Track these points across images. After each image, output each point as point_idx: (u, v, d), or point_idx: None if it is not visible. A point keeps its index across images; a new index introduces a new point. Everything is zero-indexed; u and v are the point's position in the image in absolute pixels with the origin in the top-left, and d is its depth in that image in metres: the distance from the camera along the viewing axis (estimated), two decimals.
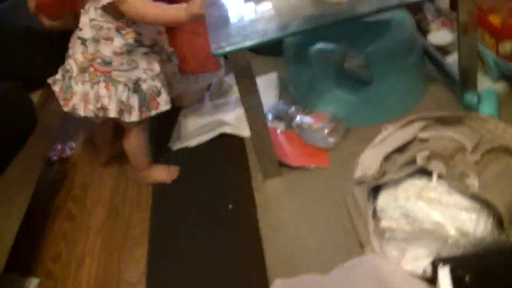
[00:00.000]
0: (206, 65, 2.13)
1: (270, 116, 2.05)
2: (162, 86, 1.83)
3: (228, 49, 1.33)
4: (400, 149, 1.50)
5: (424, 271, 1.28)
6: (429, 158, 1.38)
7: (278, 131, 1.98)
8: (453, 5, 2.28)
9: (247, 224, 1.70)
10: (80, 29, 1.75)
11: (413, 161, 1.41)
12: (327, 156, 1.86)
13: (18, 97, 1.83)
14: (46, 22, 1.90)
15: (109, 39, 1.71)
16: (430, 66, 2.07)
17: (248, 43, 1.35)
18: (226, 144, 2.08)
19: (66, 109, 1.80)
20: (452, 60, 1.98)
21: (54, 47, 2.00)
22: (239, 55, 1.47)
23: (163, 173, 2.00)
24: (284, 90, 2.24)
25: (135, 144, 1.93)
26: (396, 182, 1.43)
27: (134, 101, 1.77)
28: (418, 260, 1.33)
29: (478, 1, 1.73)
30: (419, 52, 2.00)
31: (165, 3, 1.72)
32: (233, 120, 2.12)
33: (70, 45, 1.83)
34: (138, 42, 1.75)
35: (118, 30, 1.71)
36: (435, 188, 1.35)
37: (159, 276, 1.66)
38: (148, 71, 1.79)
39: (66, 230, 1.99)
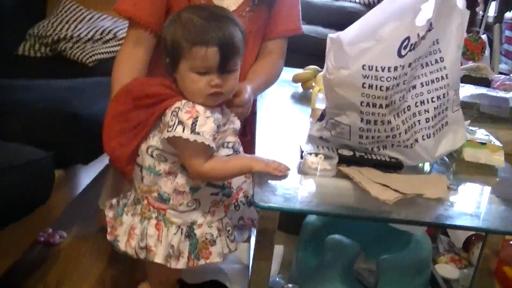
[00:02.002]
0: None
1: None
2: (219, 236, 1.59)
3: (272, 205, 1.34)
4: None
5: None
6: None
7: None
8: (466, 246, 2.32)
9: None
10: (138, 155, 1.57)
11: None
12: None
13: (45, 169, 1.80)
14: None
15: (172, 173, 1.52)
16: None
17: (291, 206, 1.36)
18: None
19: (109, 238, 1.63)
20: None
21: None
22: (270, 215, 1.48)
23: None
24: (285, 267, 2.22)
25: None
26: None
27: (185, 247, 1.55)
28: None
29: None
30: (427, 277, 2.00)
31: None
32: (231, 273, 2.09)
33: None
34: (223, 189, 1.59)
35: (184, 167, 1.51)
36: None
37: None
38: (208, 214, 1.58)
39: None
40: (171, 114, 1.45)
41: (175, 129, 1.41)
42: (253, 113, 1.88)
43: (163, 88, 1.50)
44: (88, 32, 2.89)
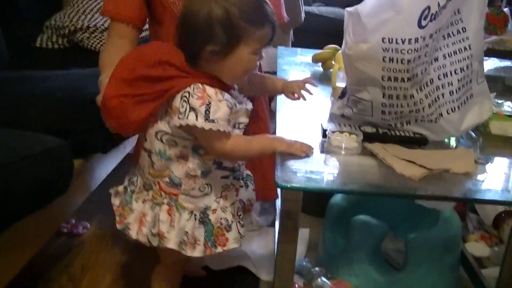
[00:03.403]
0: (269, 193, 2.00)
1: None
2: (234, 220, 1.57)
3: (295, 185, 1.32)
4: None
5: None
6: None
7: (296, 286, 1.92)
8: (496, 223, 2.28)
9: None
10: (145, 139, 1.53)
11: None
12: None
13: (63, 157, 1.78)
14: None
15: (183, 157, 1.49)
16: (463, 273, 2.03)
17: (314, 186, 1.33)
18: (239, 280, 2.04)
19: (119, 226, 1.61)
20: (487, 274, 1.95)
21: None
22: (294, 196, 1.45)
23: None
24: (312, 249, 2.20)
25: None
26: None
27: (200, 233, 1.53)
28: None
29: None
30: (457, 256, 1.97)
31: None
32: (256, 258, 2.07)
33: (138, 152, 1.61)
34: (218, 164, 1.53)
35: (195, 149, 1.48)
36: None
37: None
38: (221, 199, 1.55)
39: None
40: (181, 99, 1.39)
41: (188, 116, 1.37)
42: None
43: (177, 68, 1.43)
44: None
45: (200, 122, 1.36)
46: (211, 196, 1.54)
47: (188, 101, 1.38)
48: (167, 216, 1.52)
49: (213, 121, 1.36)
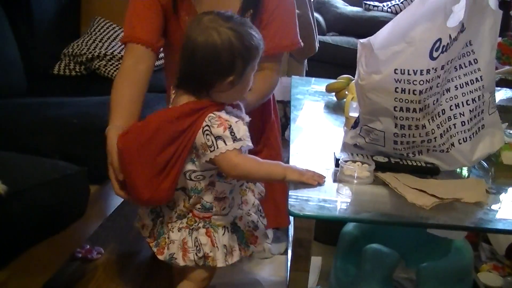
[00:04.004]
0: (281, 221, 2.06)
1: None
2: (259, 218, 1.68)
3: (307, 213, 1.33)
4: None
5: None
6: None
7: None
8: (508, 253, 2.28)
9: None
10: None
11: None
12: None
13: (80, 184, 1.81)
14: None
15: (211, 184, 1.55)
16: None
17: (326, 214, 1.35)
18: None
19: (160, 257, 1.62)
20: None
21: None
22: (306, 224, 1.47)
23: None
24: (324, 277, 2.20)
25: None
26: None
27: (234, 241, 1.62)
28: None
29: None
30: (469, 285, 1.96)
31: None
32: (268, 285, 2.08)
33: None
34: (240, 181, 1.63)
35: (220, 174, 1.54)
36: None
37: None
38: (242, 205, 1.65)
39: None
40: (204, 134, 1.44)
41: (218, 146, 1.42)
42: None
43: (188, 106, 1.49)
44: (121, 49, 2.91)
45: (230, 145, 1.42)
46: (235, 207, 1.62)
47: (211, 132, 1.43)
48: (206, 238, 1.57)
49: (240, 139, 1.43)
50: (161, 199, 1.56)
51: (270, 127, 2.00)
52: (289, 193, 1.39)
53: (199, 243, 1.57)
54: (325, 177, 1.43)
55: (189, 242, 1.58)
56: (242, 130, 1.45)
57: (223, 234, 1.59)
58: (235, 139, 1.42)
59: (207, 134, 1.43)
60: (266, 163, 1.51)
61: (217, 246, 1.57)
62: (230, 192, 1.59)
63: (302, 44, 1.98)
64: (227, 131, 1.42)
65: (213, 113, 1.45)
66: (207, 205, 1.56)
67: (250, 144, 1.46)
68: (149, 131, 1.48)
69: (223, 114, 1.46)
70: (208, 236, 1.57)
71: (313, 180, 1.41)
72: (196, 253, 1.57)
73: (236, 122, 1.45)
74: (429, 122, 1.48)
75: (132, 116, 1.71)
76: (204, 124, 1.44)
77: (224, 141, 1.42)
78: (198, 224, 1.58)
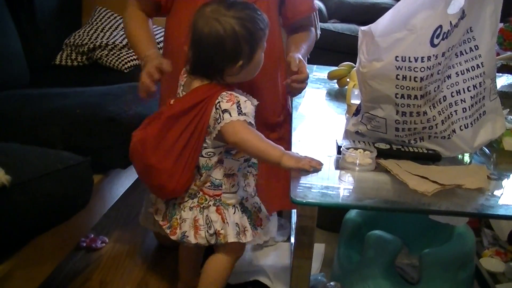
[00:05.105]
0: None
1: None
2: (259, 201, 1.76)
3: (310, 201, 1.34)
4: None
5: None
6: None
7: None
8: (511, 239, 2.28)
9: None
10: None
11: None
12: None
13: (84, 174, 1.82)
14: None
15: (220, 161, 1.61)
16: None
17: (329, 201, 1.35)
18: None
19: (173, 237, 1.67)
20: None
21: None
22: (309, 211, 1.47)
23: None
24: (327, 264, 2.22)
25: (220, 270, 1.78)
26: None
27: (245, 221, 1.68)
28: None
29: None
30: (471, 271, 1.97)
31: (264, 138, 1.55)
32: (272, 272, 2.09)
33: None
34: (247, 161, 1.68)
35: (228, 151, 1.61)
36: None
37: None
38: (247, 187, 1.71)
39: None
40: (215, 110, 1.53)
41: (223, 118, 1.50)
42: None
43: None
44: (123, 39, 2.92)
45: (235, 117, 1.50)
46: (241, 188, 1.69)
47: (220, 107, 1.51)
48: (217, 215, 1.64)
49: (244, 114, 1.51)
50: (182, 190, 1.63)
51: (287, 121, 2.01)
52: (292, 181, 1.40)
53: (210, 221, 1.63)
54: (322, 163, 1.44)
55: (200, 220, 1.64)
56: (248, 107, 1.52)
57: (234, 213, 1.65)
58: (240, 112, 1.50)
59: (216, 108, 1.52)
60: (268, 142, 1.53)
61: (227, 223, 1.63)
62: (239, 170, 1.66)
63: (317, 7, 2.09)
64: (234, 105, 1.50)
65: (226, 92, 1.54)
66: (216, 182, 1.62)
67: (251, 121, 1.52)
68: (163, 121, 1.55)
69: (234, 92, 1.55)
70: (219, 213, 1.64)
71: (309, 166, 1.42)
72: (207, 230, 1.63)
73: (245, 100, 1.53)
74: (430, 108, 1.48)
75: (155, 45, 1.84)
76: (216, 101, 1.52)
77: (230, 113, 1.50)
78: (208, 202, 1.64)
